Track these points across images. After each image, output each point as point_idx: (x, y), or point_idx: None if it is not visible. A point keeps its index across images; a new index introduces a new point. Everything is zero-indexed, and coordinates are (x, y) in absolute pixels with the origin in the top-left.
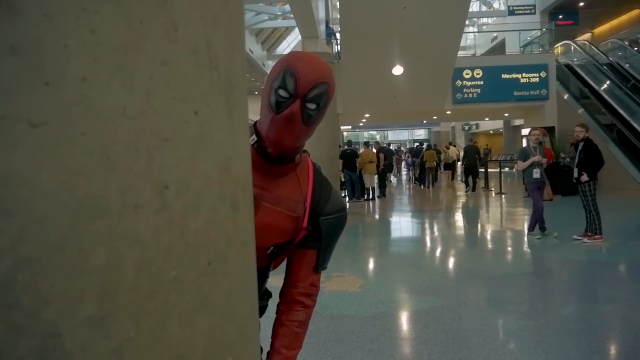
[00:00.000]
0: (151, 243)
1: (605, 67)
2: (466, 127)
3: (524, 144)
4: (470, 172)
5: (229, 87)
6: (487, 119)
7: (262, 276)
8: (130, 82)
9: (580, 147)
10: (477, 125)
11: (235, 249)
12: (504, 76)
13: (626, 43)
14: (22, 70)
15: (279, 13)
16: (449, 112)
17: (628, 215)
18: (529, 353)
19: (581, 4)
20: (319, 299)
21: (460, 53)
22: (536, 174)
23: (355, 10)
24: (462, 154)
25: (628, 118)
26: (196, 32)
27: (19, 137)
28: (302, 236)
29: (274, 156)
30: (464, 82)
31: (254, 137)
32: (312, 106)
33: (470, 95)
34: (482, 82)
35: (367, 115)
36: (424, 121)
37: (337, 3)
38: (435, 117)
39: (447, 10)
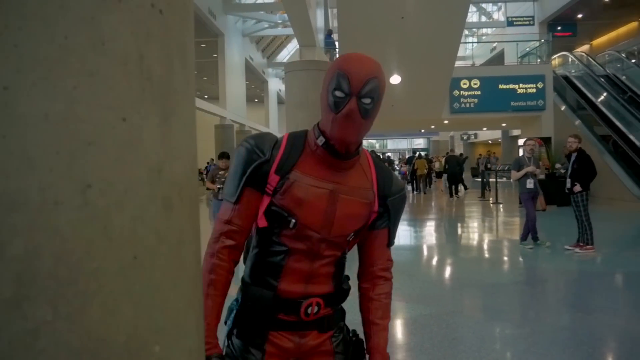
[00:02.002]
0: (71, 236)
1: (602, 79)
2: (465, 137)
3: (520, 153)
4: (452, 180)
5: (164, 96)
6: (485, 128)
7: (342, 262)
8: (53, 91)
9: (573, 158)
10: (475, 135)
11: (167, 246)
12: (501, 86)
13: (623, 55)
14: None
15: (279, 21)
16: (446, 122)
17: (621, 226)
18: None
19: (579, 15)
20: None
21: (460, 63)
22: (529, 184)
23: (353, 20)
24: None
25: (624, 130)
26: (126, 46)
27: None
28: (372, 219)
29: (341, 152)
30: (462, 92)
31: (322, 138)
32: (367, 101)
33: (468, 105)
34: (479, 92)
35: None
36: (422, 130)
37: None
38: (433, 127)
39: (444, 21)
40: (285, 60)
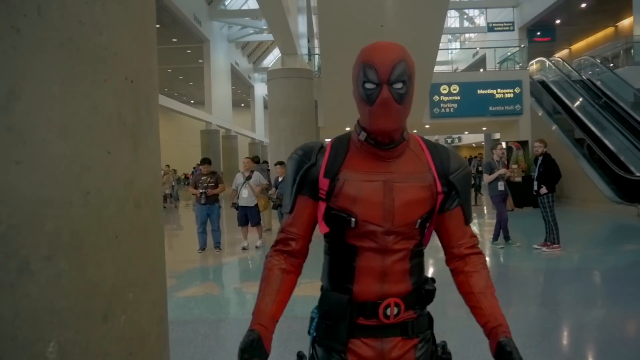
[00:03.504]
0: (79, 221)
1: (577, 85)
2: (449, 140)
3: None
4: None
5: (134, 134)
6: (466, 132)
7: (419, 256)
8: (68, 138)
9: (539, 162)
10: (459, 139)
11: (137, 230)
12: (480, 92)
13: (598, 61)
14: None
15: (265, 27)
16: (427, 126)
17: (590, 226)
18: (471, 349)
19: (558, 21)
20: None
21: (443, 68)
22: (500, 186)
23: (334, 27)
24: None
25: (598, 134)
26: (110, 107)
27: None
28: (440, 201)
29: (385, 142)
30: (442, 97)
31: (364, 133)
32: (399, 85)
33: (448, 110)
34: (458, 98)
35: (347, 129)
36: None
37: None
38: (415, 131)
39: (422, 29)
40: (271, 65)
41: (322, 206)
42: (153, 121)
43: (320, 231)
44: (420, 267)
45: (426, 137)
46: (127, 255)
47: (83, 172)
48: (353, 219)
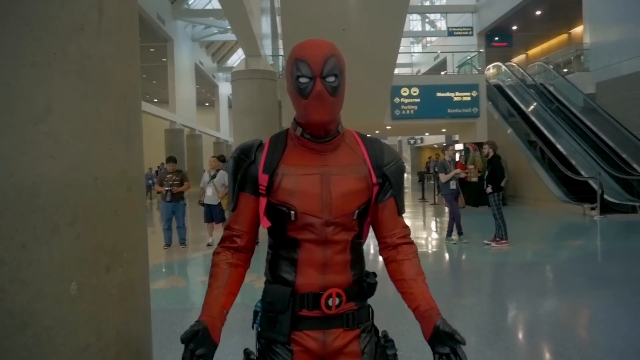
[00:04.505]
0: (93, 198)
1: (531, 90)
2: (412, 141)
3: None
4: None
5: (126, 137)
6: (427, 133)
7: (359, 249)
8: (82, 137)
9: (488, 163)
10: (422, 140)
11: (129, 207)
12: (439, 94)
13: (550, 67)
14: None
15: (229, 27)
16: (389, 127)
17: (540, 223)
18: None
19: (514, 27)
20: (249, 294)
21: (406, 70)
22: (452, 185)
23: (297, 31)
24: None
25: (549, 137)
26: (109, 119)
27: None
28: (376, 193)
29: (322, 136)
30: (402, 99)
31: (299, 128)
32: (331, 79)
33: (408, 111)
34: (418, 100)
35: None
36: (368, 135)
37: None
38: (377, 132)
39: (383, 33)
40: (235, 65)
41: (263, 201)
42: (138, 126)
43: (262, 225)
44: (360, 259)
45: (389, 137)
46: (122, 226)
47: (93, 163)
48: (292, 212)
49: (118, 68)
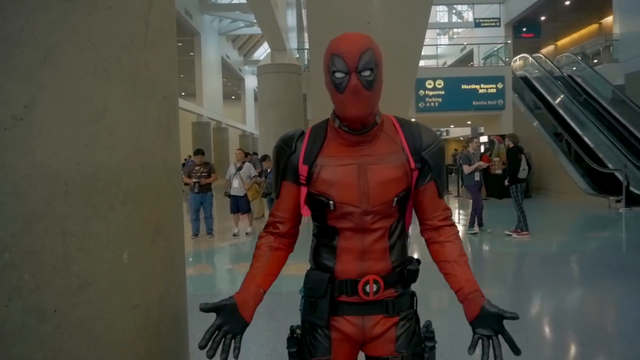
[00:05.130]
0: (141, 183)
1: (558, 81)
2: (437, 134)
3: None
4: None
5: (167, 131)
6: (452, 126)
7: (400, 235)
8: (135, 132)
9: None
10: (447, 132)
11: (169, 192)
12: (464, 87)
13: (579, 58)
14: None
15: (255, 20)
16: (413, 120)
17: (563, 215)
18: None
19: (543, 17)
20: (275, 282)
21: (432, 62)
22: (476, 177)
23: (323, 25)
24: None
25: (576, 129)
26: (155, 114)
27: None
28: (415, 178)
29: (359, 128)
30: (427, 92)
31: (337, 121)
32: (367, 73)
33: (433, 104)
34: (443, 92)
35: None
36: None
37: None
38: None
39: (408, 26)
40: (261, 58)
41: (304, 191)
42: (176, 122)
43: (302, 214)
44: (402, 246)
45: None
46: (164, 207)
47: (140, 154)
48: (331, 202)
49: (160, 72)
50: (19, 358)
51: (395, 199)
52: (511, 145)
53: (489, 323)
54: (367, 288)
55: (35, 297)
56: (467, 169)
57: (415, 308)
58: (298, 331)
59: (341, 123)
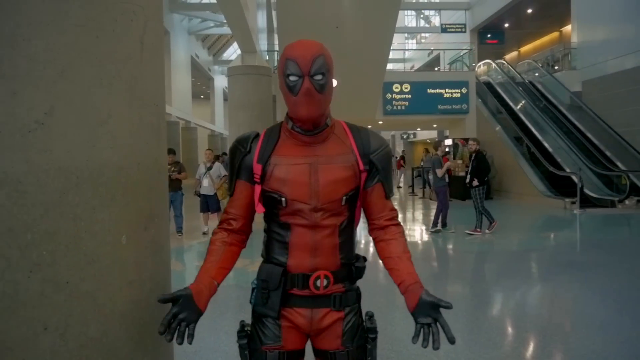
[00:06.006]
0: (137, 177)
1: (519, 87)
2: (404, 136)
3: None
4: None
5: (158, 135)
6: (419, 128)
7: (348, 233)
8: (135, 135)
9: (472, 158)
10: (414, 135)
11: (159, 185)
12: (430, 91)
13: (539, 64)
14: None
15: (225, 20)
16: (381, 122)
17: (520, 216)
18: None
19: (507, 24)
20: (243, 277)
21: (400, 65)
22: (446, 178)
23: (293, 28)
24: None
25: (536, 133)
26: (149, 120)
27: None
28: (364, 179)
29: (310, 129)
30: (394, 95)
31: (291, 122)
32: (319, 77)
33: (399, 107)
34: (410, 96)
35: None
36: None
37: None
38: (370, 126)
39: (375, 32)
40: (231, 58)
41: (258, 189)
42: (164, 126)
43: (257, 211)
44: (350, 243)
45: (382, 132)
46: (154, 198)
47: (137, 153)
48: (283, 199)
49: (152, 84)
50: (37, 320)
51: (344, 197)
52: (477, 147)
53: (426, 311)
54: (318, 283)
55: (51, 270)
56: (439, 172)
57: (359, 303)
58: (247, 327)
59: (294, 124)
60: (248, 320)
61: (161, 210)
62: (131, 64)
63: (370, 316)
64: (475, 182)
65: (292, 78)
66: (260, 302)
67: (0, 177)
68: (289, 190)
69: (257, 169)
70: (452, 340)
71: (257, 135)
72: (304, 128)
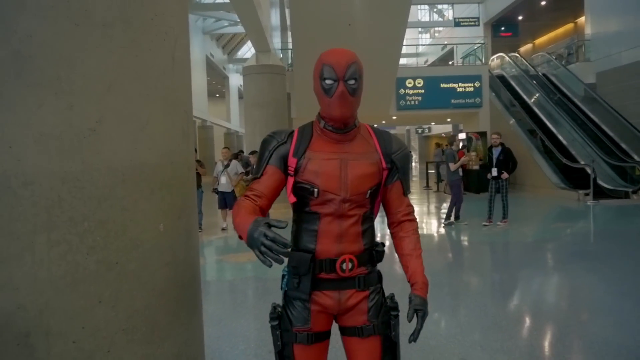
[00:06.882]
0: (170, 173)
1: (533, 80)
2: (419, 130)
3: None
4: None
5: (187, 137)
6: (433, 123)
7: (370, 222)
8: (161, 138)
9: (498, 151)
10: (429, 129)
11: (189, 180)
12: (443, 85)
13: (553, 57)
14: None
15: (239, 19)
16: (394, 117)
17: (534, 208)
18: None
19: (520, 17)
20: (261, 269)
21: (413, 60)
22: (460, 172)
23: (306, 26)
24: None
25: (550, 126)
26: (179, 124)
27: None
28: (385, 176)
29: (341, 128)
30: (407, 90)
31: (323, 122)
32: (352, 82)
33: (413, 102)
34: (423, 91)
35: None
36: (375, 125)
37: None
38: (384, 122)
39: (387, 29)
40: (245, 56)
41: (291, 181)
42: (192, 129)
43: (289, 201)
44: (371, 231)
45: (397, 127)
46: (185, 192)
47: (171, 153)
48: (316, 190)
49: (182, 93)
50: (93, 295)
51: (369, 191)
52: (500, 140)
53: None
54: (344, 266)
55: (104, 253)
56: (452, 166)
57: (381, 284)
58: (279, 309)
59: (326, 123)
60: (265, 312)
61: (191, 202)
62: (165, 77)
63: (392, 297)
64: (505, 175)
65: (328, 81)
66: (292, 287)
67: (63, 175)
68: (321, 182)
69: (293, 162)
70: (411, 338)
71: (292, 131)
72: (335, 127)
